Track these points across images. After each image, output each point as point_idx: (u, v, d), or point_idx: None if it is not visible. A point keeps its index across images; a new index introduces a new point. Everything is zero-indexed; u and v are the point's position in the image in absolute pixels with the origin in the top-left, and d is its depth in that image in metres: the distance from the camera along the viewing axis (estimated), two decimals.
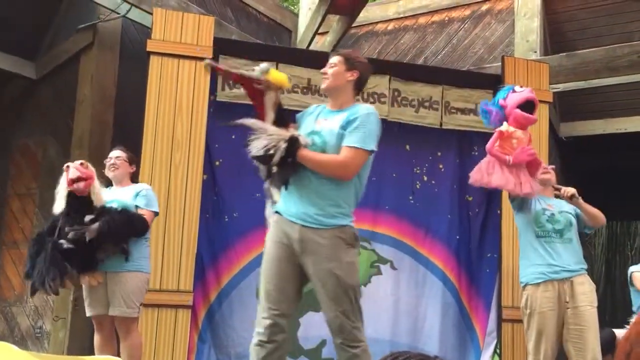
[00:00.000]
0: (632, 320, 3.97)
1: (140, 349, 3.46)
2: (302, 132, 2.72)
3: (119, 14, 4.79)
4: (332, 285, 2.57)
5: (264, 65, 2.71)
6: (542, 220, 3.37)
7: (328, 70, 2.77)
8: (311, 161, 2.60)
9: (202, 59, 4.17)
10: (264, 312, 2.62)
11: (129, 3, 4.71)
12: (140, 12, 4.79)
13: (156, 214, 3.54)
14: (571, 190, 3.33)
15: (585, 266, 3.42)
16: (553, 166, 3.77)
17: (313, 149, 2.63)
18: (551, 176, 3.57)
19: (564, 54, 5.49)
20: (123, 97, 4.93)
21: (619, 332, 4.26)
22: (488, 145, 3.30)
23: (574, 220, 3.45)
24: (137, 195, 3.50)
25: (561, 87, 5.33)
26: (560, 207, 3.48)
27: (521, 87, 3.40)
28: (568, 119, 6.57)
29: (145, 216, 3.44)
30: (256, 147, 2.57)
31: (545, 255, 3.34)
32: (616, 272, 9.89)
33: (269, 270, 2.65)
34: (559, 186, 3.45)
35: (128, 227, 3.36)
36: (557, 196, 3.50)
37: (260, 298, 2.68)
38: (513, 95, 3.31)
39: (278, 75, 2.76)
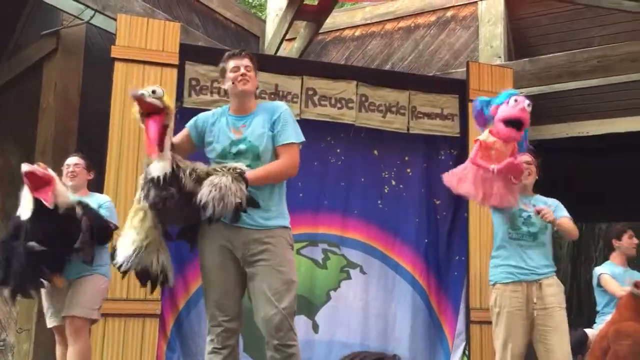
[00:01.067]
0: (605, 319, 4.05)
1: (90, 356, 3.42)
2: (220, 145, 2.67)
3: (82, 20, 4.73)
4: (274, 279, 2.59)
5: (158, 88, 2.58)
6: (518, 223, 3.37)
7: (247, 72, 2.75)
8: (262, 180, 2.61)
9: (168, 65, 4.16)
10: (213, 320, 2.65)
11: (92, 9, 4.65)
12: (104, 18, 4.73)
13: (116, 227, 3.52)
14: (550, 217, 3.30)
15: (554, 268, 3.44)
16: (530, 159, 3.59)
17: (242, 156, 2.63)
18: (531, 177, 3.52)
19: (527, 59, 5.60)
20: (88, 103, 4.86)
21: (588, 331, 4.34)
22: (471, 156, 3.23)
23: (549, 224, 3.48)
24: (100, 206, 3.48)
25: (525, 91, 5.42)
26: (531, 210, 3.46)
27: (516, 100, 3.14)
28: (532, 123, 6.67)
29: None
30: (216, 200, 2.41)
31: (517, 257, 3.35)
32: (582, 272, 10.11)
33: (214, 278, 2.66)
34: (541, 207, 3.35)
35: (105, 230, 3.34)
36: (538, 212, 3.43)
37: (206, 305, 2.69)
38: (505, 108, 3.14)
39: (167, 97, 2.64)
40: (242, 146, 2.64)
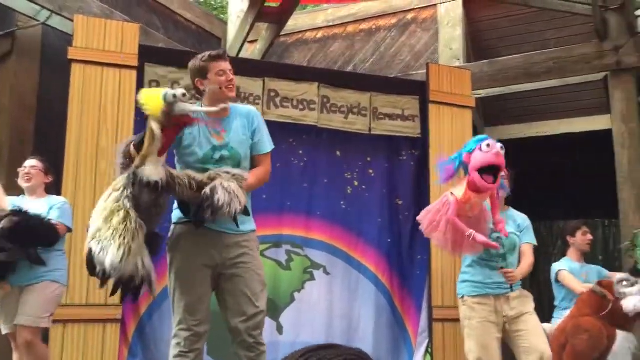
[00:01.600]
0: (563, 314, 4.14)
1: None
2: (201, 150, 2.62)
3: (38, 21, 4.64)
4: (254, 281, 2.64)
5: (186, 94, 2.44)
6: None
7: (232, 76, 2.72)
8: (254, 187, 2.68)
9: (127, 66, 4.11)
10: (182, 323, 2.62)
11: (49, 10, 4.57)
12: (61, 19, 4.66)
13: (69, 229, 3.47)
14: (512, 280, 3.35)
15: (521, 282, 3.48)
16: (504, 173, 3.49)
17: (224, 162, 2.62)
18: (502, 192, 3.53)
19: (485, 61, 5.73)
20: (44, 105, 4.76)
21: (546, 326, 4.42)
22: (449, 216, 3.10)
23: (517, 243, 3.50)
24: (51, 208, 3.43)
25: (483, 92, 5.55)
26: (510, 227, 3.46)
27: (489, 145, 3.06)
28: (491, 124, 6.84)
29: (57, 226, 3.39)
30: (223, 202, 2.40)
31: (485, 276, 3.40)
32: (541, 270, 10.32)
33: (191, 281, 2.62)
34: (508, 270, 3.34)
35: (34, 232, 3.26)
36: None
37: (175, 308, 2.64)
38: (479, 154, 3.05)
39: None
40: (225, 152, 2.63)
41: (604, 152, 5.26)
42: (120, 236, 2.31)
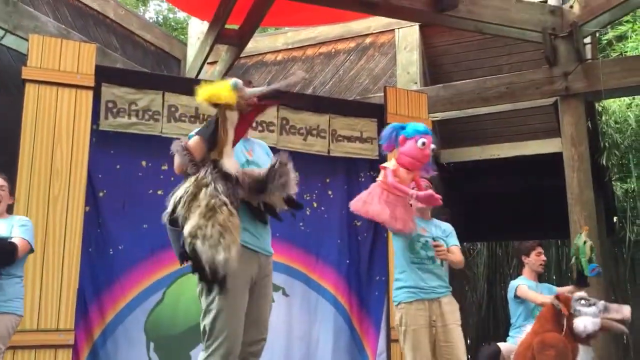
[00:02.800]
0: (522, 331, 4.20)
1: None
2: (239, 161, 2.62)
3: None
4: (268, 310, 2.66)
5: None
6: (417, 248, 3.50)
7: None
8: None
9: (83, 87, 4.06)
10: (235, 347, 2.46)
11: (2, 29, 4.49)
12: (15, 38, 4.58)
13: (31, 248, 3.30)
14: (442, 256, 3.44)
15: (450, 288, 3.58)
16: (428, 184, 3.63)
17: None
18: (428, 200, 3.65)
19: (441, 85, 5.86)
20: None
21: (503, 346, 4.47)
22: (386, 180, 3.24)
23: (445, 246, 3.60)
24: (13, 226, 3.26)
25: (439, 115, 5.67)
26: (434, 232, 3.58)
27: (424, 144, 3.19)
28: (448, 146, 6.97)
29: (16, 242, 3.15)
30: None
31: (417, 279, 3.47)
32: (497, 289, 10.51)
33: (240, 309, 2.50)
34: (438, 243, 3.47)
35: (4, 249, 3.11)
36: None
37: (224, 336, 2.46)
38: (412, 146, 3.20)
39: None
40: (253, 167, 2.65)
41: (556, 174, 5.42)
42: (229, 234, 2.27)
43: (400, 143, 3.26)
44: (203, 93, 2.36)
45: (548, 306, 3.72)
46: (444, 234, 3.62)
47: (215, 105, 2.37)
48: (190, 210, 2.31)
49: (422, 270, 3.48)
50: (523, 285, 4.43)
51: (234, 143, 2.44)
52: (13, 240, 3.18)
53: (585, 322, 3.50)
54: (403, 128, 3.30)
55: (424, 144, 3.19)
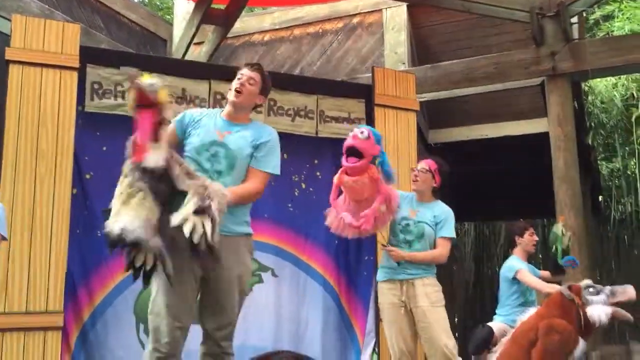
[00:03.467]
0: (515, 311, 4.25)
1: None
2: (199, 139, 2.67)
3: None
4: (235, 289, 2.60)
5: (156, 84, 2.42)
6: (397, 230, 3.60)
7: (247, 85, 2.76)
8: (235, 202, 2.59)
9: (67, 67, 4.01)
10: (163, 326, 2.51)
11: None
12: None
13: (4, 238, 3.32)
14: (396, 257, 3.53)
15: (428, 272, 3.60)
16: (424, 167, 3.73)
17: (217, 159, 2.64)
18: (420, 185, 3.70)
19: (429, 65, 5.85)
20: None
21: (494, 325, 4.50)
22: (331, 200, 3.44)
23: (427, 231, 3.61)
24: None
25: (427, 96, 5.67)
26: (422, 216, 3.63)
27: (353, 131, 3.32)
28: (436, 127, 6.99)
29: None
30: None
31: (391, 260, 3.59)
32: (484, 269, 10.64)
33: (177, 290, 2.52)
34: (390, 248, 3.57)
35: None
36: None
37: (156, 309, 2.56)
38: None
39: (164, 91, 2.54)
40: (221, 150, 2.64)
41: (543, 154, 5.46)
42: (136, 210, 2.30)
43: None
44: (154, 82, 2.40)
45: (558, 293, 3.69)
46: (433, 220, 3.63)
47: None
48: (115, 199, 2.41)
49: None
50: (524, 270, 4.43)
51: (152, 140, 2.41)
52: None
53: (599, 312, 3.49)
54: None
55: (352, 131, 3.28)
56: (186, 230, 2.29)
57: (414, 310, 3.54)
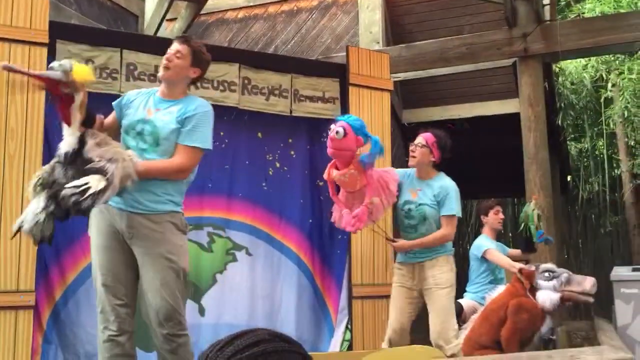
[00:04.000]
0: (484, 289, 4.34)
1: None
2: (128, 119, 2.69)
3: None
4: (162, 268, 2.56)
5: (66, 63, 2.46)
6: (401, 217, 3.64)
7: (174, 59, 2.73)
8: (151, 174, 2.58)
9: (37, 43, 3.92)
10: (106, 306, 2.57)
11: None
12: None
13: None
14: (399, 248, 3.63)
15: (439, 250, 3.64)
16: (420, 141, 3.71)
17: (142, 137, 2.61)
18: (418, 160, 3.69)
19: (404, 45, 5.87)
20: None
21: (464, 302, 4.60)
22: (331, 195, 3.52)
23: (429, 213, 3.62)
24: None
25: (402, 76, 5.70)
26: (423, 197, 3.63)
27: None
28: (410, 106, 7.03)
29: None
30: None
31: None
32: (456, 248, 10.80)
33: (103, 262, 2.59)
34: (389, 239, 3.73)
35: None
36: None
37: (98, 292, 2.60)
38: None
39: (82, 71, 2.53)
40: (147, 127, 2.61)
41: (514, 134, 5.54)
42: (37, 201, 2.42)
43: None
44: (79, 67, 2.47)
45: (529, 272, 3.74)
46: (434, 200, 3.62)
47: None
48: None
49: (405, 238, 3.65)
50: (492, 249, 4.51)
51: (67, 124, 2.50)
52: None
53: (544, 297, 3.59)
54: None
55: (337, 132, 3.26)
56: (72, 183, 2.34)
57: (424, 293, 3.60)
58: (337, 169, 3.36)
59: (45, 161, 3.89)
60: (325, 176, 3.43)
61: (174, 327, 2.56)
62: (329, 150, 3.31)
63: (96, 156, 2.41)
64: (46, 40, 3.93)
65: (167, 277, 2.56)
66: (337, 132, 3.24)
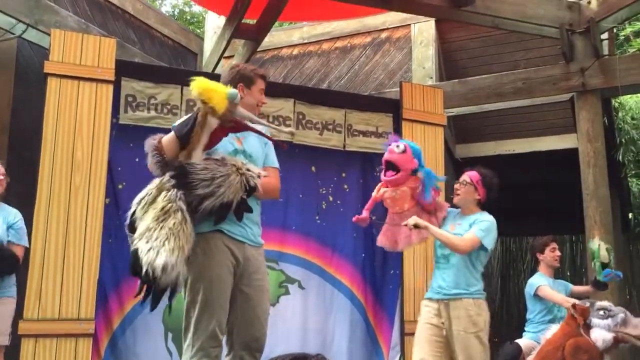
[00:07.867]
0: (542, 328, 4.19)
1: None
2: (224, 150, 2.65)
3: (14, 34, 4.62)
4: (265, 302, 2.63)
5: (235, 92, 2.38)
6: (436, 246, 3.52)
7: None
8: (267, 193, 2.66)
9: (103, 81, 4.13)
10: (212, 340, 2.44)
11: (24, 23, 4.55)
12: (37, 32, 4.65)
13: (26, 248, 3.58)
14: (410, 222, 3.42)
15: (468, 291, 3.37)
16: (465, 179, 3.61)
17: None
18: (461, 197, 3.55)
19: (457, 80, 5.85)
20: (19, 119, 4.73)
21: (522, 342, 4.46)
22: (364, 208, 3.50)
23: None
24: (9, 227, 3.55)
25: (455, 111, 5.67)
26: (458, 229, 3.47)
27: (389, 145, 3.39)
28: (463, 141, 6.98)
29: (17, 253, 3.56)
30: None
31: (437, 276, 3.48)
32: (510, 285, 10.50)
33: (221, 294, 2.46)
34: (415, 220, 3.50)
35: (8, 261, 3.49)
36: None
37: (208, 323, 2.46)
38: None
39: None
40: (240, 156, 2.63)
41: (571, 169, 5.41)
42: (176, 239, 2.20)
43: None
44: (199, 85, 2.30)
45: (583, 309, 3.60)
46: (468, 229, 3.44)
47: (203, 103, 2.31)
48: (147, 213, 2.30)
49: (437, 269, 3.49)
50: (544, 286, 4.38)
51: (205, 149, 2.41)
52: (13, 249, 3.58)
53: (597, 336, 3.43)
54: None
55: (389, 145, 3.35)
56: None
57: (448, 333, 3.35)
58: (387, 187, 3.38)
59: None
60: (374, 193, 3.41)
61: (260, 357, 2.60)
62: (386, 156, 3.32)
63: (228, 162, 2.49)
64: (112, 77, 4.14)
65: (266, 310, 2.64)
66: (397, 146, 3.31)
